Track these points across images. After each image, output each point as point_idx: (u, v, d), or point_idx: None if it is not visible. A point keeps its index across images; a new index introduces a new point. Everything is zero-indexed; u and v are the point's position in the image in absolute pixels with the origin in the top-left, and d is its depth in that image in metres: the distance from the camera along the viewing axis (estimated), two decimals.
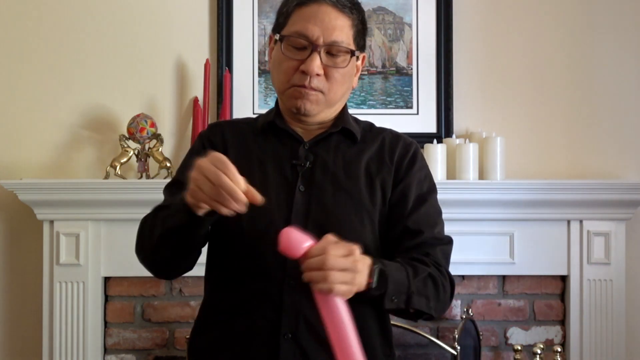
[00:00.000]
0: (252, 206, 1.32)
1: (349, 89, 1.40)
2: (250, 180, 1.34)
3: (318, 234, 1.19)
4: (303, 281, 1.15)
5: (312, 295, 1.28)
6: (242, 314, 1.32)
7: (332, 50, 1.33)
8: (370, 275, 1.19)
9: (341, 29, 1.33)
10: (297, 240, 1.14)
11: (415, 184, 1.39)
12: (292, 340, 1.29)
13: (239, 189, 1.12)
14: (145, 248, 1.34)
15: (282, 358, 1.28)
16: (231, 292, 1.34)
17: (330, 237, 1.16)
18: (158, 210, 1.34)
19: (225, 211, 1.14)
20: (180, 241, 1.27)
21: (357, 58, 1.40)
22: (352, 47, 1.35)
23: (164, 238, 1.27)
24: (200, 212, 1.18)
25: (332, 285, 1.12)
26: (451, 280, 1.36)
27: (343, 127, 1.40)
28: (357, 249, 1.16)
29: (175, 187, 1.37)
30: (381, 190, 1.37)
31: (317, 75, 1.31)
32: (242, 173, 1.35)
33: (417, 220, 1.36)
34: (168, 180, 2.40)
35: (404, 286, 1.25)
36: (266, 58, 2.55)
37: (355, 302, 1.34)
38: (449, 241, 1.39)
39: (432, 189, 1.42)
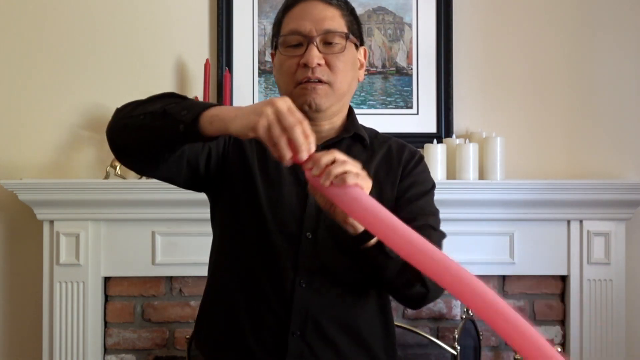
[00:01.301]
0: (268, 203, 1.33)
1: (354, 79, 1.40)
2: (268, 176, 1.35)
3: (329, 236, 1.19)
4: (318, 185, 1.08)
5: (322, 295, 1.28)
6: (250, 311, 1.33)
7: (327, 39, 1.34)
8: None
9: (332, 18, 1.35)
10: None
11: (416, 183, 1.41)
12: (300, 338, 1.30)
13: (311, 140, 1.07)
14: (129, 110, 1.24)
15: (289, 355, 1.30)
16: (240, 289, 1.34)
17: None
18: (164, 96, 1.24)
19: (285, 152, 1.06)
20: (160, 129, 1.17)
21: (357, 48, 1.40)
22: (346, 32, 1.36)
23: (152, 116, 1.18)
24: (210, 131, 1.11)
25: (356, 172, 1.08)
26: None
27: (355, 133, 1.41)
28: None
29: None
30: (390, 193, 1.38)
31: (319, 65, 1.32)
32: (261, 168, 1.35)
33: (412, 210, 1.36)
34: None
35: None
36: (266, 58, 2.55)
37: (362, 301, 1.35)
38: (442, 234, 1.40)
39: (430, 189, 1.44)
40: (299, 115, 1.08)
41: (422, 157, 1.46)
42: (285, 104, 1.08)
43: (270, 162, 1.37)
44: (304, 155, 1.07)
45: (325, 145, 1.38)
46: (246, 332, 1.32)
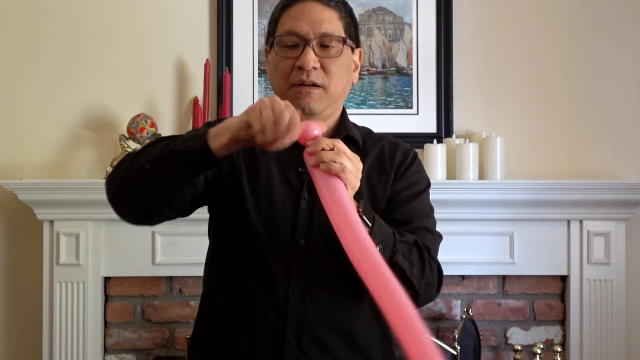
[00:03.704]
0: (258, 213, 1.32)
1: (348, 83, 1.39)
2: (258, 186, 1.34)
3: (322, 242, 1.18)
4: (310, 165, 1.13)
5: (317, 302, 1.28)
6: (245, 320, 1.32)
7: (324, 42, 1.33)
8: (358, 206, 1.19)
9: (329, 21, 1.33)
10: (311, 126, 1.15)
11: (408, 184, 1.39)
12: (296, 347, 1.29)
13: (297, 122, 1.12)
14: (126, 168, 1.24)
15: None
16: (235, 297, 1.34)
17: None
18: (155, 142, 1.26)
19: (271, 144, 1.11)
20: (174, 169, 1.18)
21: (353, 51, 1.39)
22: (344, 36, 1.35)
23: (159, 160, 1.19)
24: (221, 150, 1.15)
25: (344, 166, 1.12)
26: (439, 267, 1.34)
27: (346, 135, 1.39)
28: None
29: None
30: (383, 195, 1.37)
31: (314, 69, 1.31)
32: (250, 178, 1.34)
33: (406, 212, 1.35)
34: None
35: (389, 240, 1.22)
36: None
37: (357, 305, 1.34)
38: (439, 235, 1.39)
39: (425, 188, 1.42)
40: (288, 103, 1.13)
41: (415, 156, 1.44)
42: (274, 97, 1.14)
43: (261, 169, 1.36)
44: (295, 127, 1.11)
45: None
46: (241, 342, 1.31)
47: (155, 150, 1.21)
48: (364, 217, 1.18)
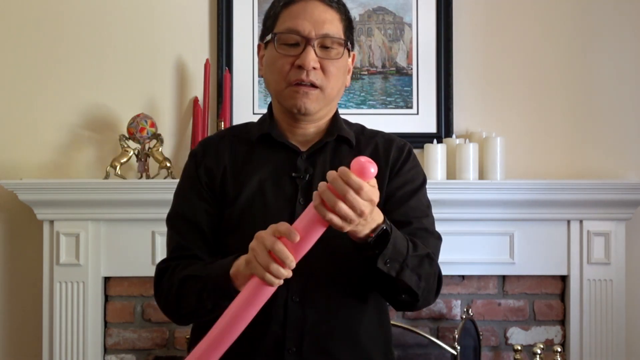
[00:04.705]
0: (253, 222, 1.30)
1: (343, 85, 1.39)
2: (252, 197, 1.32)
3: (321, 247, 1.18)
4: (315, 203, 1.08)
5: (316, 308, 1.28)
6: (244, 330, 1.31)
7: (325, 43, 1.32)
8: (374, 230, 1.15)
9: (331, 22, 1.33)
10: (368, 167, 1.07)
11: (405, 181, 1.38)
12: (297, 354, 1.28)
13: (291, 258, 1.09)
14: (171, 293, 1.33)
15: None
16: None
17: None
18: (177, 257, 1.35)
19: (275, 282, 1.11)
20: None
21: (349, 54, 1.39)
22: (344, 38, 1.34)
23: (191, 282, 1.29)
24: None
25: (333, 217, 1.08)
26: (439, 275, 1.34)
27: (339, 135, 1.38)
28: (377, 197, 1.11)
29: (180, 222, 1.37)
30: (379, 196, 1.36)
31: (314, 69, 1.30)
32: (243, 191, 1.34)
33: (405, 212, 1.33)
34: (168, 180, 2.41)
35: (401, 255, 1.20)
36: None
37: (358, 310, 1.34)
38: (439, 237, 1.38)
39: (422, 184, 1.41)
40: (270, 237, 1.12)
41: (410, 151, 1.42)
42: (259, 239, 1.14)
43: (253, 181, 1.34)
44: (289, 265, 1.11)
45: (311, 151, 1.37)
46: (240, 350, 1.28)
47: (192, 301, 1.29)
48: (369, 245, 1.16)
